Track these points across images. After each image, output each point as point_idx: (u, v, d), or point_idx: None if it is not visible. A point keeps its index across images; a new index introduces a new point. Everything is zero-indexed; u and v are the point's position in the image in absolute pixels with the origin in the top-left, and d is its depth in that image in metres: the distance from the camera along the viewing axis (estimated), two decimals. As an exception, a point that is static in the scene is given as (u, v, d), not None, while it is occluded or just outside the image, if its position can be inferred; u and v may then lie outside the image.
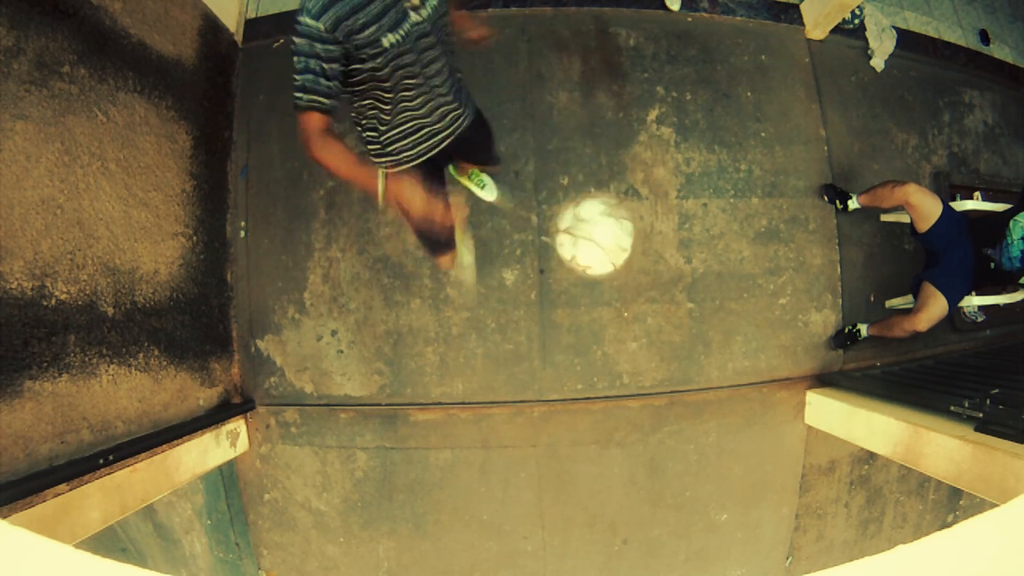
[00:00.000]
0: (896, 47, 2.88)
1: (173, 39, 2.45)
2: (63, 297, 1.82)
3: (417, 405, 2.61)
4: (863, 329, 2.63)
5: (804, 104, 2.76)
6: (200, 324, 2.51)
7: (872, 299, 2.75)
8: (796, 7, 2.86)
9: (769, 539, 2.79)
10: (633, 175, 2.66)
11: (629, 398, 2.61)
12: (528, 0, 2.73)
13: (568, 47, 2.70)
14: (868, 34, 2.86)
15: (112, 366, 2.00)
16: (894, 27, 2.91)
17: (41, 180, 1.76)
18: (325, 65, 1.25)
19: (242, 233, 2.66)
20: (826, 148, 2.76)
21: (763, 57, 2.75)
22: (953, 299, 2.24)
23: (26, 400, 1.67)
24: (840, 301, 2.72)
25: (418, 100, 1.48)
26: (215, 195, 2.63)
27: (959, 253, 2.25)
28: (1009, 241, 2.16)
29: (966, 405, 1.83)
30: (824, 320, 2.71)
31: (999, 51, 3.20)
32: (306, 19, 1.20)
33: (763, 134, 2.71)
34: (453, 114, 1.62)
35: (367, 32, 1.26)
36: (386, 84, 1.39)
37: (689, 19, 2.78)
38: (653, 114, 2.69)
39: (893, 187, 2.31)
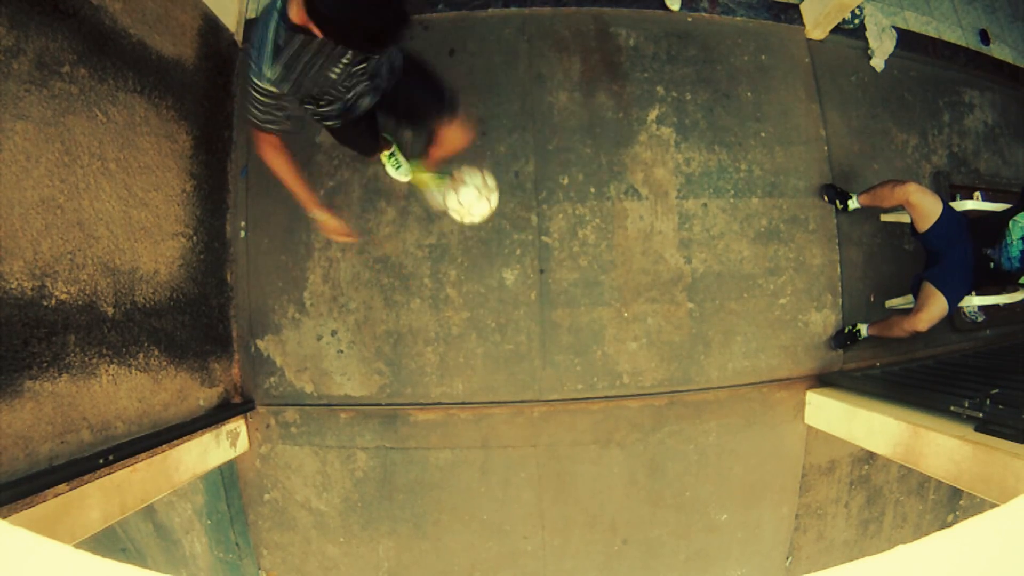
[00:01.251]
0: (896, 47, 2.87)
1: (173, 39, 2.44)
2: (63, 297, 1.82)
3: (417, 405, 2.61)
4: (863, 329, 2.63)
5: (804, 104, 2.75)
6: (200, 324, 2.51)
7: (872, 299, 2.74)
8: (796, 7, 2.86)
9: (769, 539, 2.79)
10: (633, 175, 2.66)
11: (629, 398, 2.61)
12: (528, 0, 2.72)
13: (568, 47, 2.70)
14: (868, 34, 2.85)
15: (112, 366, 2.00)
16: (894, 27, 2.90)
17: (41, 180, 1.76)
18: (279, 113, 1.49)
19: (242, 233, 2.66)
20: (826, 148, 2.75)
21: (763, 57, 2.75)
22: (953, 299, 2.24)
23: (26, 400, 1.67)
24: (840, 301, 2.72)
25: (359, 86, 1.70)
26: (215, 195, 2.63)
27: (959, 253, 2.25)
28: (1009, 241, 2.16)
29: (966, 405, 1.82)
30: (824, 320, 2.71)
31: (999, 51, 3.20)
32: (266, 85, 1.39)
33: (763, 134, 2.71)
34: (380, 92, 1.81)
35: (315, 84, 1.50)
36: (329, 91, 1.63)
37: (689, 19, 2.78)
38: (653, 114, 2.69)
39: (893, 187, 2.31)
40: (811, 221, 2.71)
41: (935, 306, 2.26)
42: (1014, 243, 2.14)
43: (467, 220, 2.00)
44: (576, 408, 2.61)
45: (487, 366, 2.60)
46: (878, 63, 2.86)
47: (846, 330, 2.65)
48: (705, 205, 2.68)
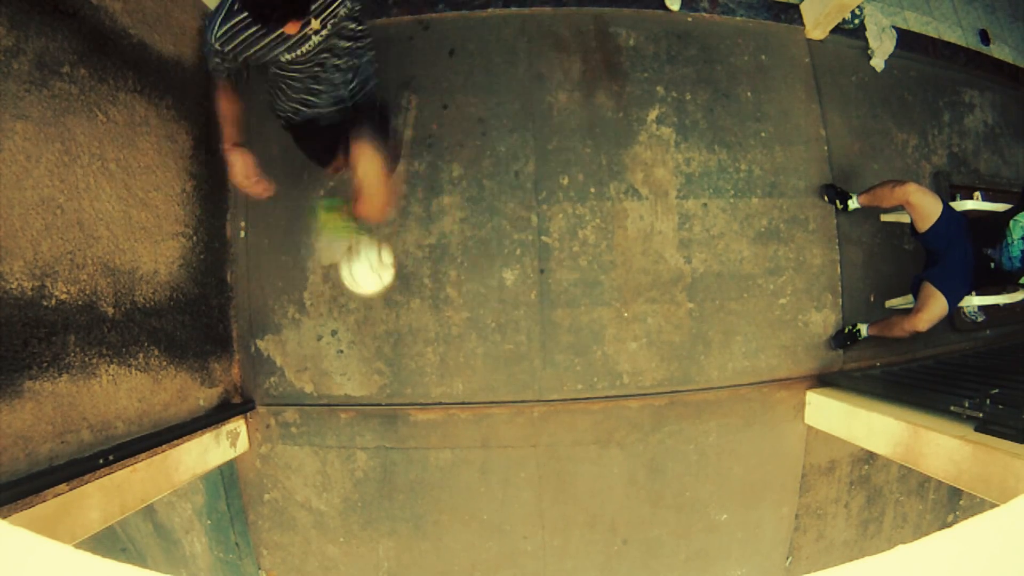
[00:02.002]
0: (896, 47, 2.88)
1: (173, 39, 2.44)
2: (63, 297, 1.82)
3: (417, 405, 2.61)
4: (863, 329, 2.62)
5: (804, 104, 2.75)
6: (200, 324, 2.51)
7: (872, 299, 2.75)
8: (796, 7, 2.85)
9: (769, 539, 2.79)
10: (633, 175, 2.66)
11: (629, 398, 2.61)
12: (528, 0, 2.72)
13: (568, 47, 2.70)
14: (868, 34, 2.85)
15: (112, 366, 2.00)
16: (894, 27, 2.91)
17: (41, 180, 1.76)
18: (227, 64, 1.69)
19: (242, 233, 2.67)
20: (826, 148, 2.75)
21: (763, 57, 2.75)
22: (953, 299, 2.24)
23: (26, 400, 1.67)
24: (840, 301, 2.72)
25: (316, 88, 1.89)
26: (215, 195, 2.63)
27: (959, 253, 2.24)
28: (1009, 241, 2.16)
29: (966, 405, 1.82)
30: (824, 320, 2.71)
31: (999, 51, 3.20)
32: (213, 41, 1.60)
33: (763, 134, 2.71)
34: (341, 106, 1.99)
35: (262, 56, 1.69)
36: (287, 76, 1.83)
37: (689, 19, 2.78)
38: (653, 114, 2.69)
39: (893, 187, 2.30)
40: (811, 221, 2.71)
41: (935, 306, 2.26)
42: (1015, 243, 2.14)
43: (353, 289, 2.11)
44: (576, 408, 2.61)
45: (487, 366, 2.60)
46: (878, 63, 2.86)
47: (846, 330, 2.65)
48: (705, 205, 2.68)
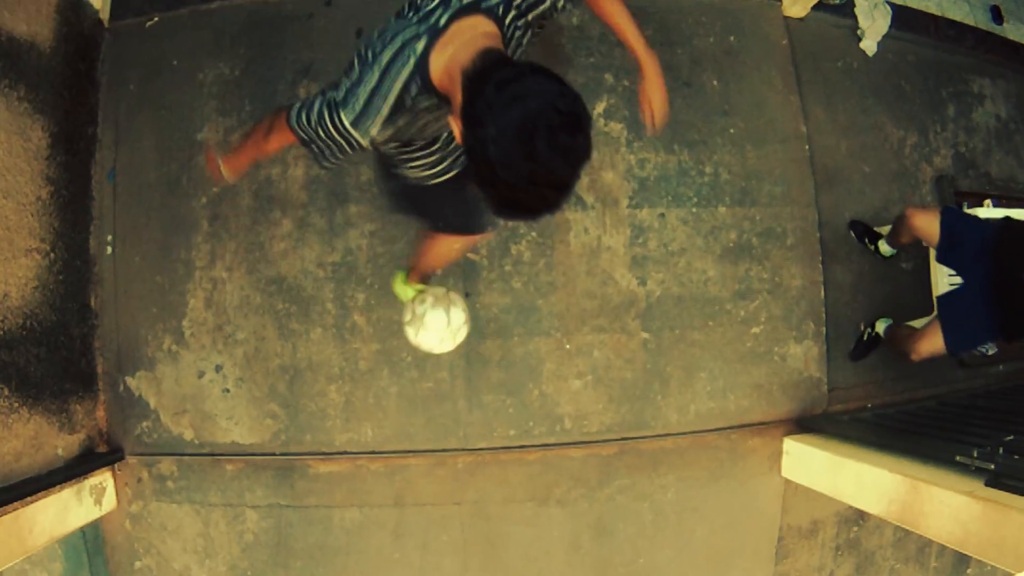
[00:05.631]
0: (891, 26, 2.65)
1: (27, 17, 2.18)
2: None
3: (318, 455, 2.36)
4: (881, 328, 2.39)
5: (781, 95, 2.52)
6: (58, 358, 2.25)
7: (862, 327, 2.50)
8: (772, -21, 2.63)
9: (741, 613, 2.56)
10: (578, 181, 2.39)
11: (572, 446, 2.39)
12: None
13: (499, 27, 2.43)
14: (857, 11, 2.62)
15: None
16: (888, 2, 2.67)
17: None
18: (340, 156, 1.17)
19: (109, 249, 2.40)
20: (807, 147, 2.52)
21: (732, 39, 2.50)
22: (956, 340, 1.95)
23: None
24: (824, 330, 2.47)
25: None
26: (77, 203, 2.37)
27: (974, 280, 1.91)
28: None
29: (975, 455, 1.71)
30: (805, 353, 2.46)
31: (1014, 31, 2.98)
32: (358, 137, 1.06)
33: (732, 130, 2.47)
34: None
35: None
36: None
37: (645, -7, 2.51)
38: (600, 106, 2.43)
39: (903, 216, 2.06)
40: (789, 234, 2.46)
41: (928, 343, 2.01)
42: None
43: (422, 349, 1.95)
44: (509, 458, 2.38)
45: (402, 408, 2.35)
46: (869, 45, 2.63)
47: (864, 335, 2.44)
48: (662, 215, 2.42)
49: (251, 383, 2.33)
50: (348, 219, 2.33)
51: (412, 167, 1.35)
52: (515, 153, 0.77)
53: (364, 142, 1.04)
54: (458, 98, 0.87)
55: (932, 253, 2.18)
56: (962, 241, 1.90)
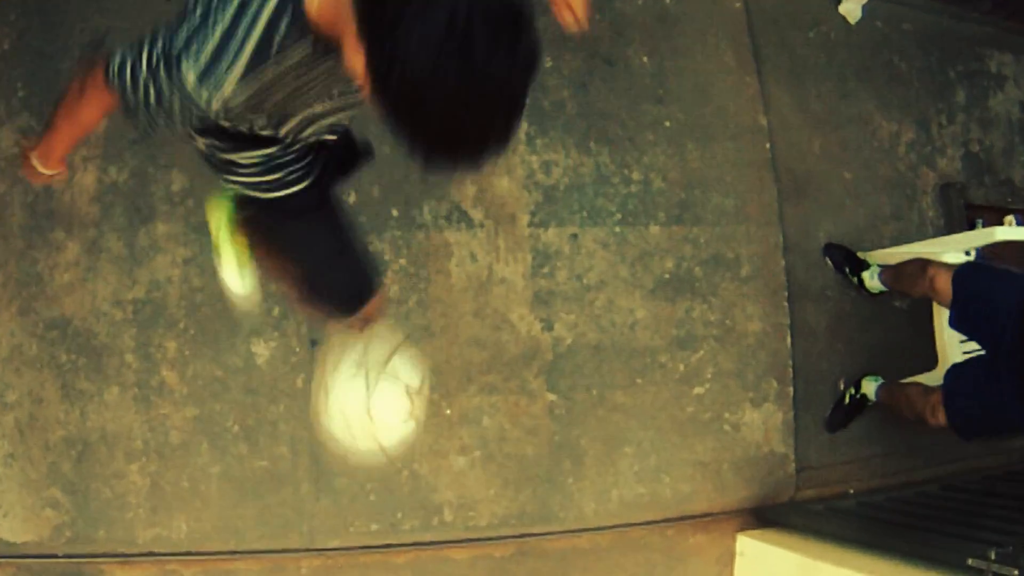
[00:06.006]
0: None
1: None
2: None
3: (115, 557, 1.99)
4: (870, 389, 2.09)
5: (734, 75, 2.25)
6: None
7: (842, 386, 2.17)
8: (723, -75, 2.36)
9: None
10: (461, 189, 2.13)
11: (454, 545, 2.06)
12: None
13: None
14: None
15: None
16: None
17: None
18: (161, 120, 1.02)
19: None
20: (768, 146, 2.24)
21: (668, 1, 2.22)
22: (966, 428, 1.66)
23: None
24: (791, 390, 2.16)
25: None
26: None
27: (999, 352, 1.55)
28: None
29: (992, 557, 1.57)
30: (765, 421, 2.13)
31: None
32: (202, 98, 0.89)
33: (668, 123, 2.20)
34: None
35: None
36: None
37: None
38: None
39: (925, 267, 1.79)
40: (744, 262, 2.16)
41: (935, 419, 1.72)
42: None
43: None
44: (370, 561, 2.04)
45: (227, 494, 2.00)
46: (851, 9, 2.32)
47: (847, 398, 2.15)
48: (575, 236, 2.13)
49: (24, 461, 1.95)
50: (155, 242, 1.97)
51: (243, 171, 1.14)
52: (447, 62, 0.65)
53: (215, 105, 0.88)
54: (350, 26, 0.73)
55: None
56: (986, 301, 1.56)
